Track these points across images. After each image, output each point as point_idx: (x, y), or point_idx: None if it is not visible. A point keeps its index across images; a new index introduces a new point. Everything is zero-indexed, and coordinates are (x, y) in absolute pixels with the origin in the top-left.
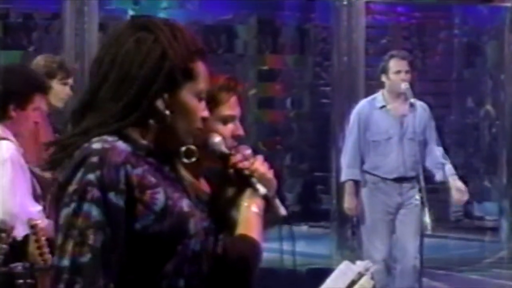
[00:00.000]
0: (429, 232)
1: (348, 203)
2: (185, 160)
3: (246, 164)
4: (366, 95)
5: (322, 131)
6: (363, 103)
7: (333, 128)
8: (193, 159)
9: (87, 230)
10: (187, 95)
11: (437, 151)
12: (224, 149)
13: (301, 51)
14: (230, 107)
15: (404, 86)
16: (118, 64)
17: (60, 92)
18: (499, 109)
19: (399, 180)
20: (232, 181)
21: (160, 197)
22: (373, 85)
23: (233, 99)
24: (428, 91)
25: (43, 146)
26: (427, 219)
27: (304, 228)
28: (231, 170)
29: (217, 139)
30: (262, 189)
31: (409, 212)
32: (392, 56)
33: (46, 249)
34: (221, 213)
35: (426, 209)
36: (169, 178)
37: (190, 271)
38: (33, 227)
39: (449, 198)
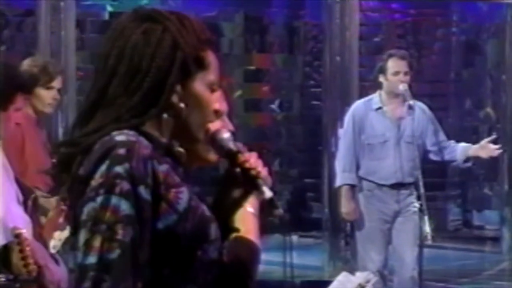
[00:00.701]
0: (429, 242)
1: (346, 207)
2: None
3: (253, 163)
4: (360, 97)
5: (313, 135)
6: (358, 104)
7: (324, 132)
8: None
9: (116, 224)
10: (200, 86)
11: (448, 141)
12: (232, 146)
13: (290, 50)
14: (216, 102)
15: (402, 87)
16: (127, 57)
17: (45, 97)
18: (499, 111)
19: (396, 186)
20: (238, 182)
21: (184, 197)
22: (366, 86)
23: (217, 94)
24: (424, 93)
25: (34, 151)
26: (427, 228)
27: (294, 238)
28: (238, 169)
29: (226, 134)
30: (268, 192)
31: (407, 220)
32: (390, 56)
33: (31, 260)
34: (224, 218)
35: (426, 218)
36: (185, 180)
37: (204, 280)
38: (17, 236)
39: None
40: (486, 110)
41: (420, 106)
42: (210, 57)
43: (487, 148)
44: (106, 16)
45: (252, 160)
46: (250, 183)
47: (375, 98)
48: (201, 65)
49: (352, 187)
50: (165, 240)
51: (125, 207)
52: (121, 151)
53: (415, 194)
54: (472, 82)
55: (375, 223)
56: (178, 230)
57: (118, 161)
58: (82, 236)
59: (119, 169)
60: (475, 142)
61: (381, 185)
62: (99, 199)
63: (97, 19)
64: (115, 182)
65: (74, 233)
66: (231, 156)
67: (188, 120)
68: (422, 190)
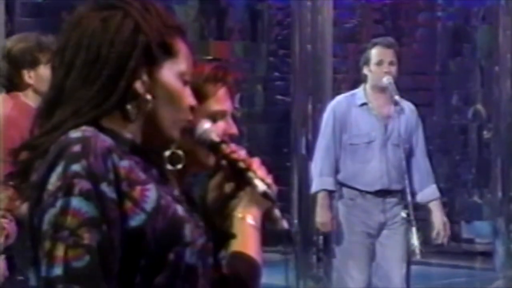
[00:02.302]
0: (417, 257)
1: (322, 216)
2: (170, 167)
3: (241, 155)
4: (333, 91)
5: (280, 135)
6: (339, 99)
7: (293, 132)
8: (179, 166)
9: (79, 229)
10: (169, 75)
11: (424, 165)
12: (215, 137)
13: (252, 38)
14: (219, 101)
15: (386, 80)
16: (84, 47)
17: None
18: (491, 108)
19: (382, 194)
20: (228, 176)
21: (152, 195)
22: (338, 79)
23: (222, 92)
24: (405, 87)
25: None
26: (415, 241)
27: None
28: (224, 163)
29: (206, 125)
30: (261, 186)
31: (394, 234)
32: (374, 44)
33: None
34: (217, 216)
35: (414, 230)
36: (159, 181)
37: None
38: None
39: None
40: (476, 106)
41: (408, 105)
42: (179, 45)
43: (442, 229)
44: None
45: (241, 152)
46: (240, 178)
47: (359, 92)
48: (169, 52)
49: (330, 193)
50: (134, 242)
51: (87, 208)
52: (76, 148)
53: (402, 203)
54: (460, 74)
55: (357, 237)
56: (147, 230)
57: (74, 159)
58: (45, 247)
59: (76, 167)
60: (463, 143)
61: (364, 192)
62: (59, 203)
63: (28, 1)
64: (73, 182)
65: (33, 246)
66: (215, 149)
67: (158, 115)
68: (409, 198)
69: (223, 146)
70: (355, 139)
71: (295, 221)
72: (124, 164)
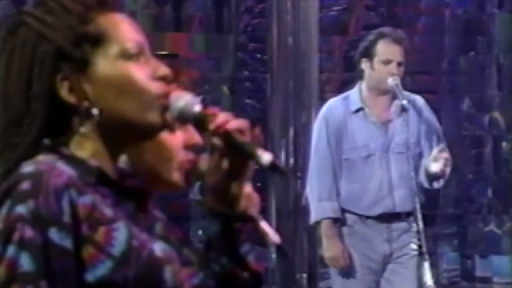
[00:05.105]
0: None
1: (330, 250)
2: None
3: (234, 123)
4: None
5: None
6: (332, 103)
7: (270, 145)
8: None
9: (10, 284)
10: (105, 65)
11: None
12: (198, 108)
13: (216, 28)
14: (157, 67)
15: (392, 81)
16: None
17: None
18: (511, 116)
19: (387, 218)
20: (224, 153)
21: (120, 236)
22: (322, 79)
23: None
24: (404, 89)
25: None
26: (429, 280)
27: None
28: (216, 139)
29: (186, 96)
30: (265, 156)
31: (402, 268)
32: (381, 36)
33: None
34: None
35: (427, 265)
36: (133, 216)
37: None
38: None
39: None
40: (493, 113)
41: (418, 100)
42: (109, 23)
43: (438, 160)
44: None
45: (232, 119)
46: (238, 151)
47: (353, 95)
48: (95, 40)
49: (335, 221)
50: None
51: (24, 260)
52: (25, 185)
53: (413, 230)
54: (473, 74)
55: (357, 272)
56: (117, 279)
57: (21, 199)
58: None
59: (21, 209)
60: (477, 159)
61: (364, 217)
62: None
63: None
64: (14, 227)
65: None
66: (201, 122)
67: (120, 115)
68: (421, 224)
69: (210, 117)
70: (351, 153)
71: (273, 255)
72: (85, 201)
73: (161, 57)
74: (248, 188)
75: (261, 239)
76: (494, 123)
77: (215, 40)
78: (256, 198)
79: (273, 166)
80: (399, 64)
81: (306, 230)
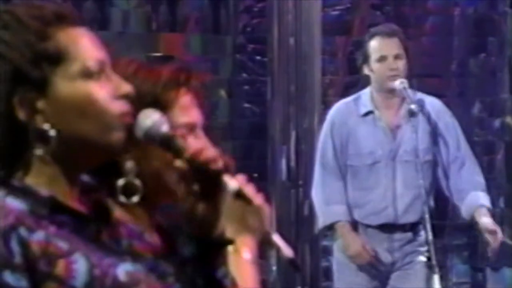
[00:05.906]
0: None
1: (351, 246)
2: (123, 200)
3: (203, 151)
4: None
5: (249, 156)
6: (339, 106)
7: (270, 152)
8: (135, 199)
9: None
10: (63, 85)
11: (467, 174)
12: (165, 129)
13: (214, 29)
14: (183, 111)
15: (400, 84)
16: None
17: None
18: None
19: (388, 229)
20: (192, 177)
21: (80, 267)
22: (324, 82)
23: (186, 99)
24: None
25: None
26: None
27: None
28: (182, 163)
29: (153, 115)
30: (232, 184)
31: (409, 275)
32: (372, 36)
33: None
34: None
35: (437, 277)
36: (96, 240)
37: None
38: None
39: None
40: (505, 118)
41: (432, 103)
42: (69, 37)
43: (493, 235)
44: None
45: (203, 145)
46: (207, 179)
47: (364, 96)
48: (55, 59)
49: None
50: None
51: None
52: None
53: (419, 239)
54: (484, 76)
55: (358, 278)
56: None
57: None
58: None
59: None
60: (488, 166)
61: (365, 226)
62: None
63: None
64: None
65: None
66: (168, 146)
67: (79, 136)
68: (430, 235)
69: (179, 141)
70: (356, 160)
71: (274, 267)
72: (38, 237)
73: (155, 59)
74: (259, 199)
75: (263, 252)
76: (506, 128)
77: (212, 41)
78: (267, 210)
79: (238, 194)
80: (396, 56)
81: (308, 242)
